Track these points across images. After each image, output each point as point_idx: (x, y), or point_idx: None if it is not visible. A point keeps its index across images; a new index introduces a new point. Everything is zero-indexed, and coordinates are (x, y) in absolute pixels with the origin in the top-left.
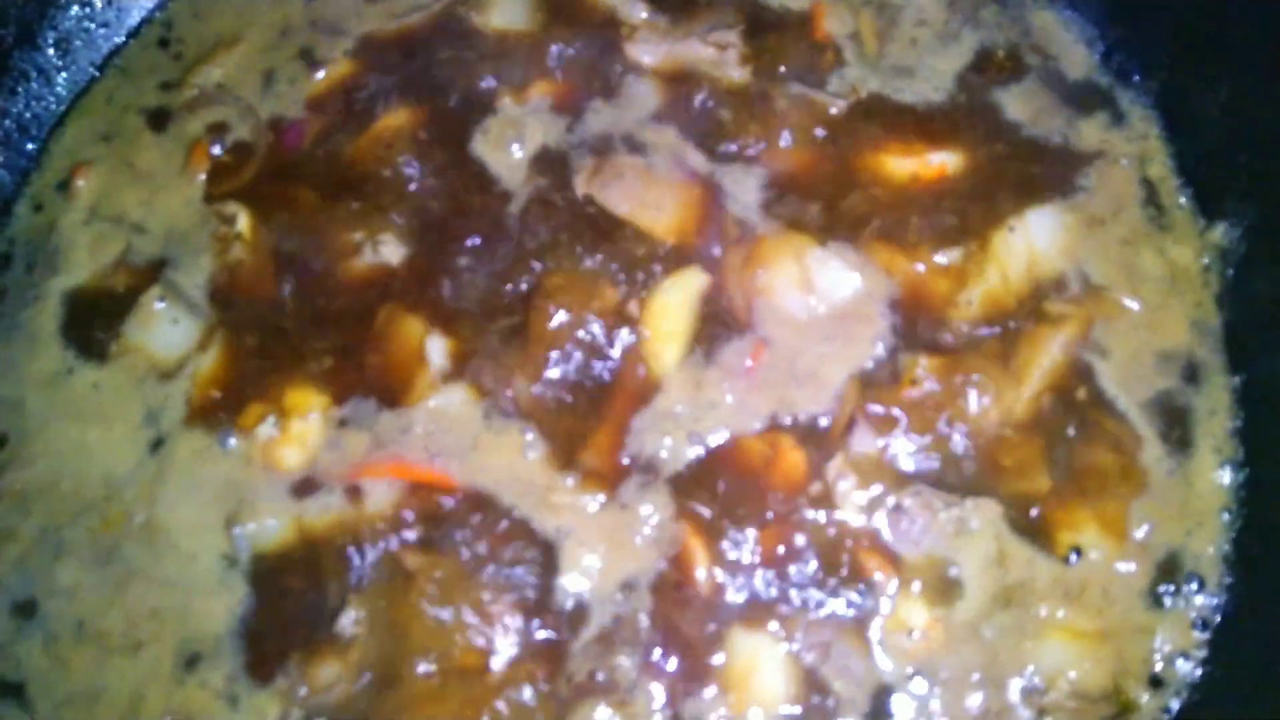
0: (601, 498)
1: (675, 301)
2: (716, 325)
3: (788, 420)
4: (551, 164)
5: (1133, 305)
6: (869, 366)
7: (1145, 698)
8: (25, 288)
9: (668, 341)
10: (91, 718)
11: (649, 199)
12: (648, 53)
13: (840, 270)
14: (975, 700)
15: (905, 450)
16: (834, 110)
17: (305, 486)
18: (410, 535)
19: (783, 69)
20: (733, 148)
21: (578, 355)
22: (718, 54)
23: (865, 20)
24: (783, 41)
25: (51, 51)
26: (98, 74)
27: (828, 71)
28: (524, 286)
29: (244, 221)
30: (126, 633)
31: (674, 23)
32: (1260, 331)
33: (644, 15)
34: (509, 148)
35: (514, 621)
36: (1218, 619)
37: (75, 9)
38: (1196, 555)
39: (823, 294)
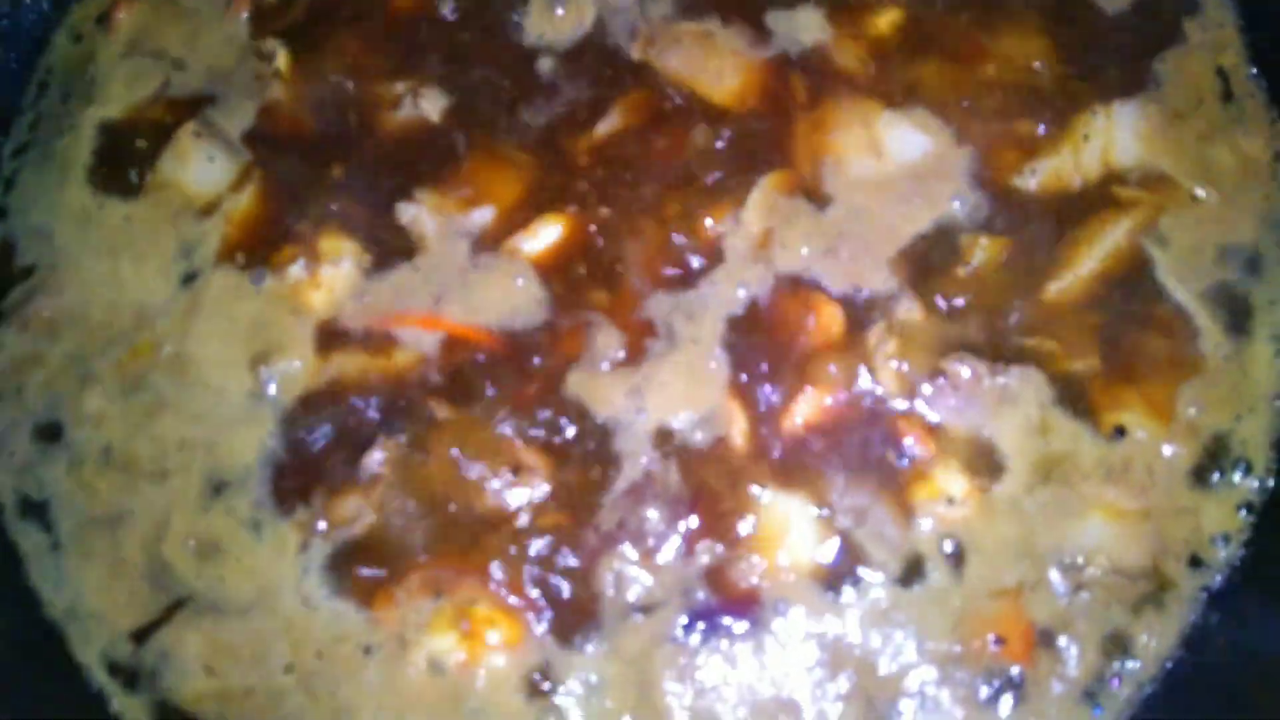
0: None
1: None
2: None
3: (838, 282)
4: (601, 27)
5: (1204, 196)
6: (924, 233)
7: (1185, 577)
8: (60, 117)
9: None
10: (115, 539)
11: (710, 66)
12: None
13: (909, 133)
14: (1011, 571)
15: (952, 318)
16: None
17: (333, 330)
18: (439, 383)
19: None
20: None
21: None
22: None
23: None
24: None
25: None
26: None
27: None
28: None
29: (282, 59)
30: (154, 459)
31: None
32: None
33: None
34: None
35: (542, 472)
36: (1262, 503)
37: None
38: (1245, 440)
39: (891, 156)
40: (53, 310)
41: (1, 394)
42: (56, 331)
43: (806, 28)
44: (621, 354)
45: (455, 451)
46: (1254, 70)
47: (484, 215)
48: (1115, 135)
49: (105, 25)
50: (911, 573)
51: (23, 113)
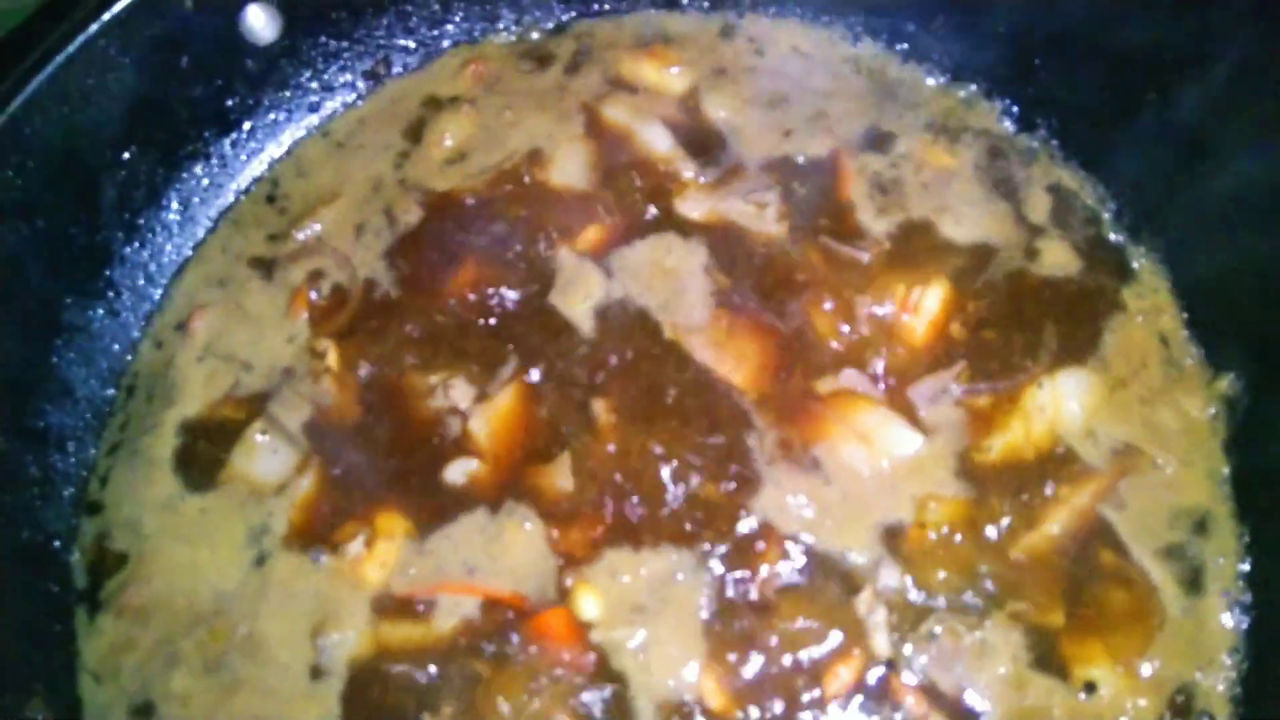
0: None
1: None
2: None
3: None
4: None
5: (1161, 462)
6: (900, 513)
7: None
8: (145, 417)
9: None
10: None
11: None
12: (694, 208)
13: (902, 430)
14: None
15: (928, 584)
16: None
17: (384, 601)
18: (481, 647)
19: (812, 224)
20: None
21: None
22: (757, 210)
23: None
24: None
25: (174, 208)
26: (212, 226)
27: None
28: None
29: (333, 357)
30: None
31: (719, 182)
32: (1267, 479)
33: (691, 174)
34: (582, 299)
35: None
36: None
37: (198, 169)
38: (1207, 693)
39: (884, 451)
40: (143, 598)
41: (101, 677)
42: (146, 617)
43: None
44: None
45: (502, 707)
46: (1188, 333)
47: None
48: (1061, 405)
49: (183, 332)
50: None
51: (114, 415)
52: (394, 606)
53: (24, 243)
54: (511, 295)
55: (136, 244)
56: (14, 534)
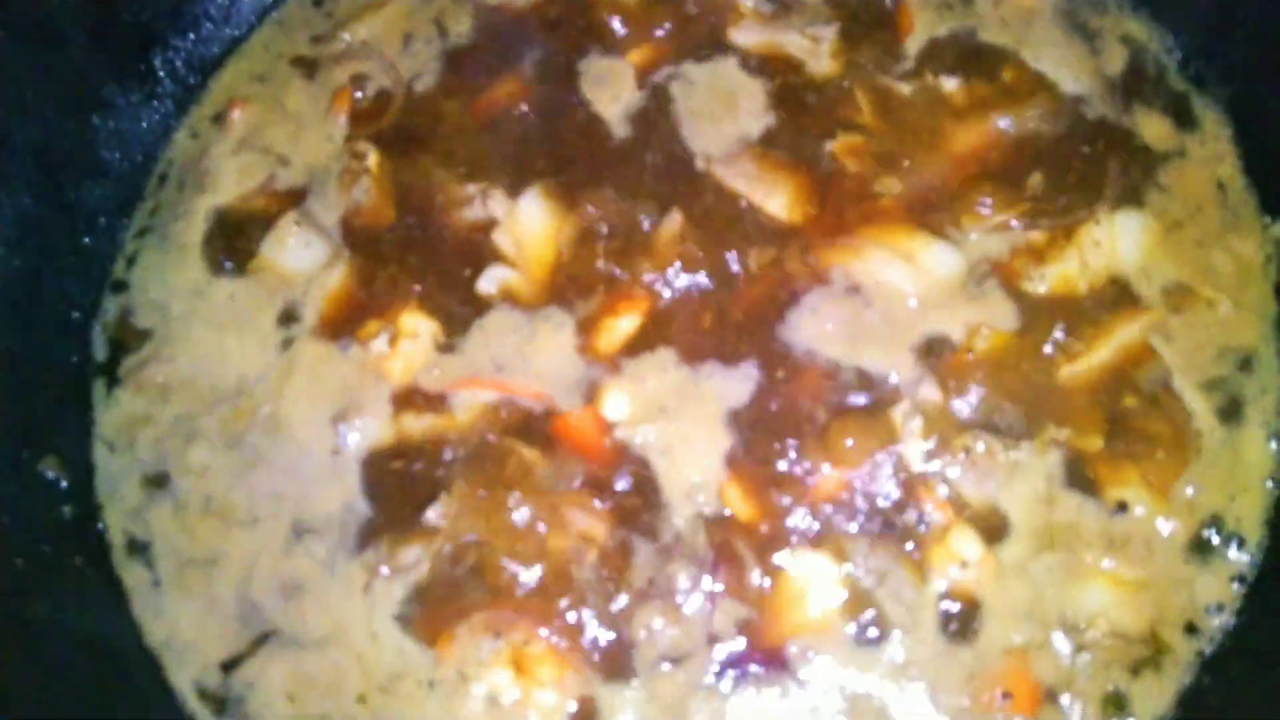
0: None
1: None
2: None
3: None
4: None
5: (1214, 301)
6: (947, 331)
7: (1180, 642)
8: (176, 204)
9: None
10: (209, 579)
11: (764, 179)
12: (748, 37)
13: (943, 251)
14: (1019, 632)
15: (968, 400)
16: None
17: (406, 395)
18: (494, 440)
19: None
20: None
21: None
22: (812, 45)
23: None
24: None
25: (220, 0)
26: (257, 24)
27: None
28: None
29: (373, 159)
30: (248, 508)
31: (777, 13)
32: None
33: (751, 2)
34: (627, 105)
35: (581, 524)
36: (1255, 575)
37: None
38: (1239, 518)
39: (926, 270)
40: (165, 376)
41: (115, 446)
42: (168, 394)
43: None
44: None
45: (513, 502)
46: (1246, 180)
47: None
48: (1116, 243)
49: (220, 123)
50: (927, 630)
51: (144, 200)
52: (418, 400)
53: (67, 8)
54: (556, 110)
55: (180, 30)
56: (37, 300)
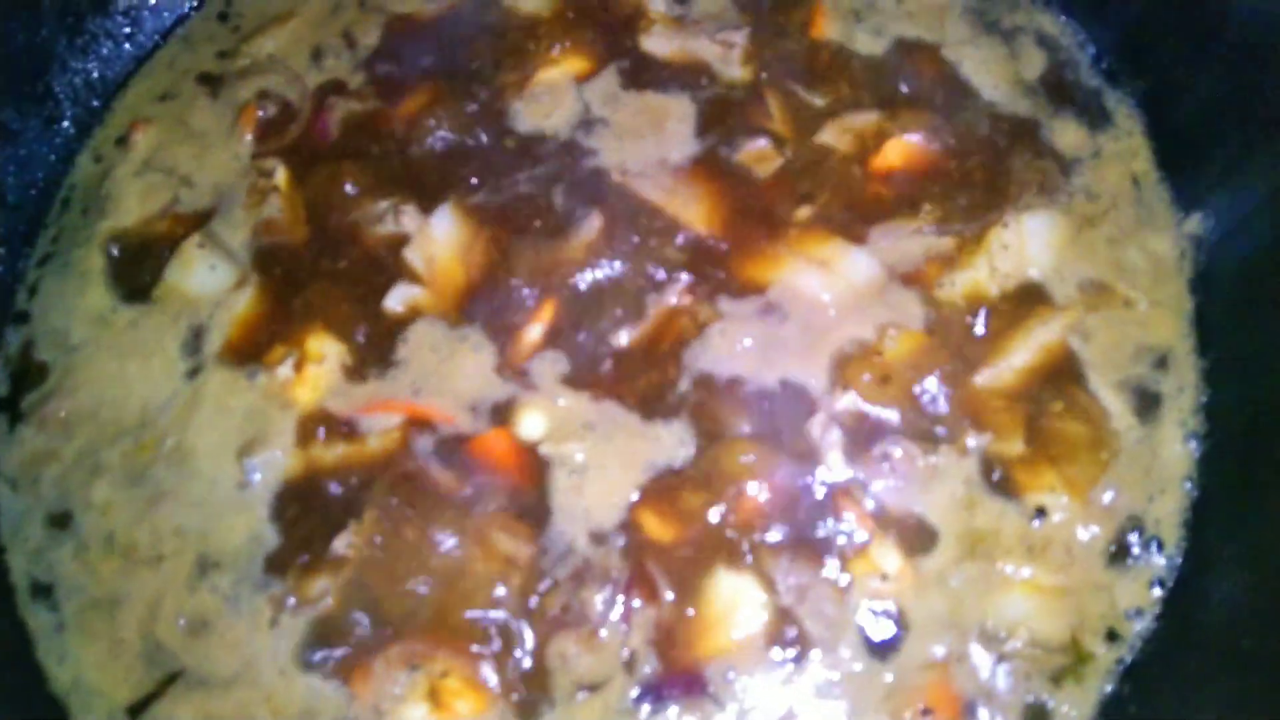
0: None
1: None
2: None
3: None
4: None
5: (1131, 299)
6: (863, 336)
7: (1101, 650)
8: (78, 230)
9: None
10: (113, 620)
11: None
12: (661, 45)
13: (859, 257)
14: (939, 644)
15: (886, 407)
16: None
17: (315, 421)
18: (406, 465)
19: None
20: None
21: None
22: (724, 51)
23: None
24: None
25: (121, 19)
26: (161, 41)
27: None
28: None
29: (281, 176)
30: (152, 545)
31: (686, 20)
32: (1228, 314)
33: (661, 8)
34: (541, 119)
35: (498, 548)
36: (1173, 579)
37: None
38: (1158, 520)
39: (843, 277)
40: (67, 410)
41: (19, 485)
42: (70, 429)
43: None
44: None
45: (426, 531)
46: (1159, 175)
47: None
48: (1025, 244)
49: (123, 146)
50: (848, 647)
51: (47, 227)
52: (327, 425)
53: None
54: (466, 121)
55: (79, 51)
56: None
